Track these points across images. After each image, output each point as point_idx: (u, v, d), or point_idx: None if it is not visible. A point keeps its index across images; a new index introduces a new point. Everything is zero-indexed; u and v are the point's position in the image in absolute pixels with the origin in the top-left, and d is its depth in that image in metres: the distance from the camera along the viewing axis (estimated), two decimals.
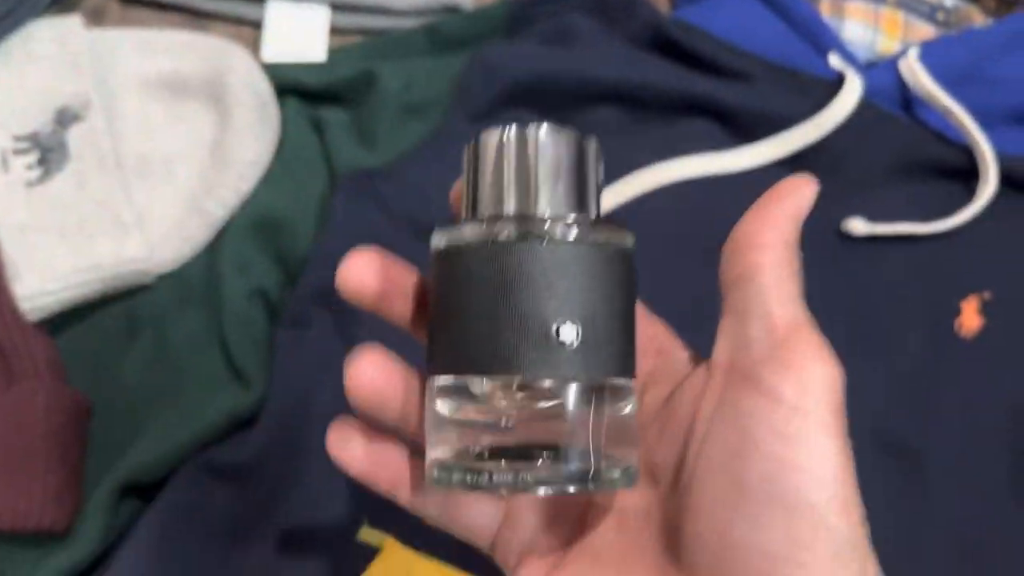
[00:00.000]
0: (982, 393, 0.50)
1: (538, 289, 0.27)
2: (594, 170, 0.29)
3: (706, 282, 0.55)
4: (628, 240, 0.29)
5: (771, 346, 0.27)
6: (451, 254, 0.28)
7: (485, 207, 0.29)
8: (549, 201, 0.28)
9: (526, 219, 0.28)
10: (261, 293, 0.53)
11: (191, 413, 0.49)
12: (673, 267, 0.54)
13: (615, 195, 0.56)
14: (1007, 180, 0.56)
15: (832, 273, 0.54)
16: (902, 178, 0.57)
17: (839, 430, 0.26)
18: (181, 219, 0.56)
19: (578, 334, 0.27)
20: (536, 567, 0.30)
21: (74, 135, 0.59)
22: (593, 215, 0.29)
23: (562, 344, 0.27)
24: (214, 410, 0.49)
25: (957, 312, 0.53)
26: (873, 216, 0.55)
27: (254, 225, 0.55)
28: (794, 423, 0.26)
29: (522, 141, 0.28)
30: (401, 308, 0.32)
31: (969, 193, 0.56)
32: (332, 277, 0.53)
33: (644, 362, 0.31)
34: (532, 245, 0.27)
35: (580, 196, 0.28)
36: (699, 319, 0.55)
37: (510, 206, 0.28)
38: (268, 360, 0.51)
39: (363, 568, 0.46)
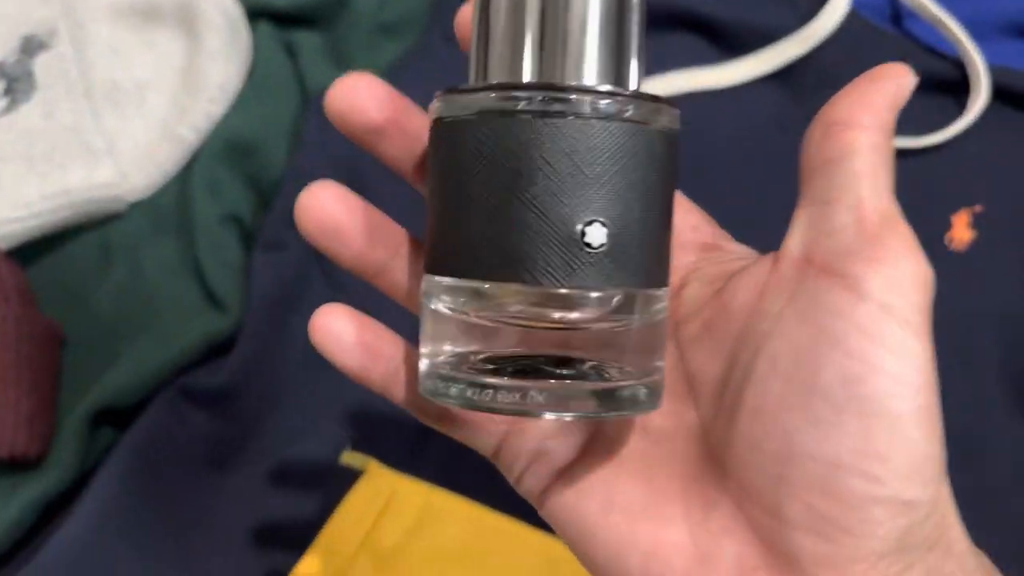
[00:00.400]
0: (973, 306, 0.49)
1: (561, 177, 0.22)
2: (636, 29, 0.24)
3: (693, 199, 0.55)
4: (673, 119, 0.24)
5: (859, 237, 0.23)
6: (454, 127, 0.23)
7: (497, 71, 0.23)
8: (578, 66, 0.23)
9: (549, 88, 0.22)
10: (234, 217, 0.52)
11: (167, 338, 0.48)
12: None
13: None
14: (999, 92, 0.54)
15: None
16: None
17: (927, 334, 0.23)
18: (153, 145, 0.55)
19: (608, 235, 0.22)
20: (543, 471, 0.27)
21: (41, 64, 0.57)
22: (633, 86, 0.24)
23: (588, 247, 0.22)
24: (190, 335, 0.48)
25: (948, 226, 0.52)
26: None
27: (226, 149, 0.53)
28: (880, 321, 0.23)
29: None
30: (402, 151, 0.27)
31: (960, 107, 0.55)
32: None
33: (683, 256, 0.28)
34: (556, 121, 0.22)
35: (618, 62, 0.23)
36: None
37: (529, 71, 0.23)
38: (243, 284, 0.50)
39: (346, 491, 0.46)
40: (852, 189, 0.24)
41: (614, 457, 0.27)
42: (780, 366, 0.24)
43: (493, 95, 0.23)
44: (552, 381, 0.23)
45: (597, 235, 0.22)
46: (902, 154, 0.54)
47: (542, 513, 0.27)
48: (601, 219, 0.22)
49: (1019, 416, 0.45)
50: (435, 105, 0.24)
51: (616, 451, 0.27)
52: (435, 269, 0.24)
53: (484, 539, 0.43)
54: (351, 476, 0.46)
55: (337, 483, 0.45)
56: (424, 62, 0.56)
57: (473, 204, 0.23)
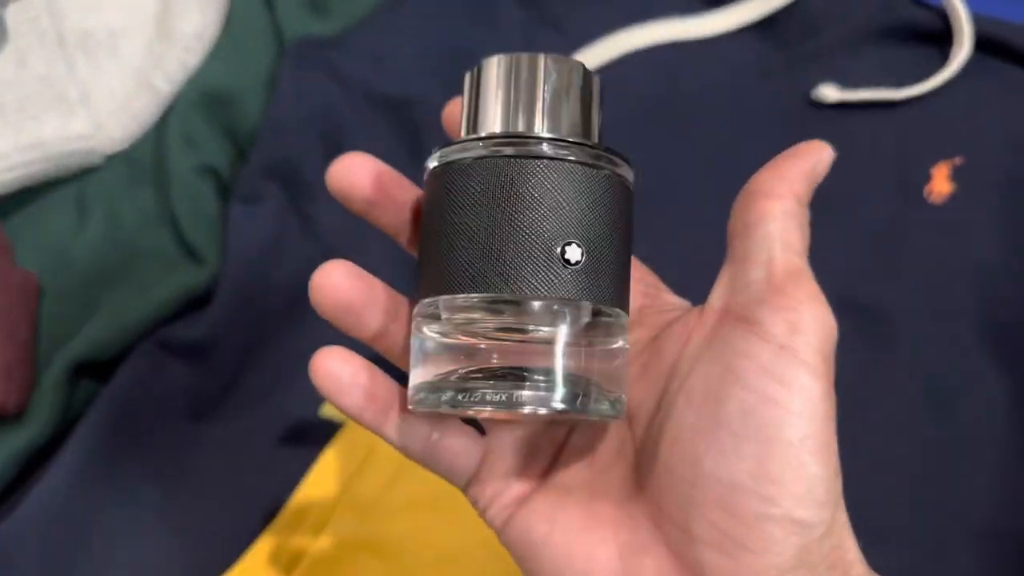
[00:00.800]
0: (951, 257, 0.50)
1: (542, 207, 0.26)
2: (597, 101, 0.29)
3: (675, 149, 0.54)
4: (630, 172, 0.29)
5: (768, 289, 0.27)
6: (450, 170, 0.27)
7: (487, 127, 0.28)
8: (554, 124, 0.28)
9: (531, 138, 0.27)
10: (210, 169, 0.51)
11: (145, 291, 0.48)
12: (642, 134, 0.52)
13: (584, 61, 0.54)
14: (982, 43, 0.54)
15: (802, 140, 0.53)
16: (875, 43, 0.56)
17: (825, 374, 0.26)
18: (128, 96, 0.54)
19: (583, 255, 0.26)
20: (506, 503, 0.30)
21: (12, 13, 0.56)
22: (595, 140, 0.29)
23: (566, 264, 0.26)
24: (168, 287, 0.48)
25: (927, 178, 0.52)
26: (845, 82, 0.54)
27: (201, 100, 0.53)
28: (780, 360, 0.26)
29: (530, 67, 0.28)
30: (393, 219, 0.31)
31: (943, 57, 0.55)
32: (282, 149, 0.52)
33: (633, 300, 0.31)
34: (537, 162, 0.26)
35: (584, 124, 0.28)
36: (667, 188, 0.55)
37: (515, 126, 0.28)
38: (221, 236, 0.50)
39: (325, 444, 0.46)
40: (765, 249, 0.27)
41: (562, 487, 0.30)
42: (694, 400, 0.27)
43: (481, 143, 0.27)
44: (528, 384, 0.26)
45: (574, 254, 0.26)
46: (884, 105, 0.53)
47: (502, 540, 0.30)
48: (577, 241, 0.26)
49: (994, 367, 0.46)
50: (433, 156, 0.28)
51: (564, 483, 0.30)
52: (430, 292, 0.28)
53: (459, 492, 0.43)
54: (331, 429, 0.46)
55: (316, 436, 0.46)
56: (403, 9, 0.55)
57: (465, 230, 0.27)
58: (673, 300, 0.32)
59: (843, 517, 0.26)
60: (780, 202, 0.27)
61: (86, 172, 0.53)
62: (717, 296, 0.28)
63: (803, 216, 0.28)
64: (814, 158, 0.28)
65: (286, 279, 0.48)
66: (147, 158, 0.53)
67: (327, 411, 0.47)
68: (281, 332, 0.48)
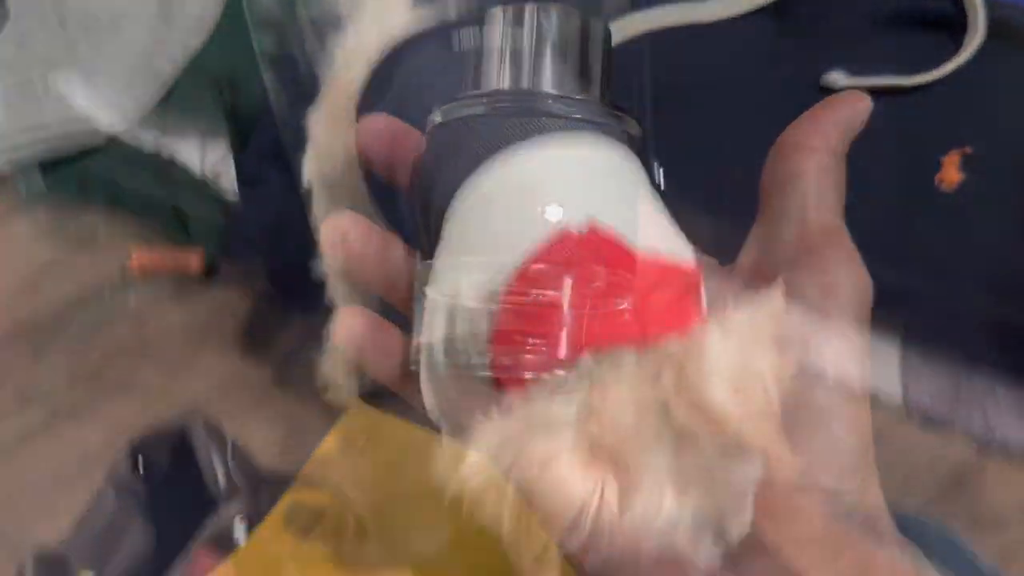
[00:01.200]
0: (961, 246, 0.49)
1: (538, 167, 0.25)
2: (600, 53, 0.28)
3: (682, 135, 0.54)
4: (632, 126, 0.28)
5: (801, 249, 0.25)
6: (449, 127, 0.27)
7: (486, 83, 0.27)
8: (552, 79, 0.27)
9: (528, 94, 0.26)
10: (211, 151, 0.51)
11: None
12: (648, 119, 0.52)
13: None
14: (995, 29, 0.53)
15: None
16: (887, 29, 0.55)
17: (859, 339, 0.25)
18: (130, 78, 0.54)
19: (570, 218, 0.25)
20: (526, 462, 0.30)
21: None
22: (598, 98, 0.28)
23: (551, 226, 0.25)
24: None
25: (938, 167, 0.52)
26: (855, 69, 0.53)
27: (203, 82, 0.52)
28: (810, 323, 0.24)
29: (529, 20, 0.27)
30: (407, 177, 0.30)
31: (955, 44, 0.54)
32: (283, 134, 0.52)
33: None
34: (531, 119, 0.26)
35: (586, 78, 0.27)
36: (673, 173, 0.54)
37: (512, 82, 0.27)
38: (223, 219, 0.50)
39: (328, 427, 0.46)
40: (799, 207, 0.26)
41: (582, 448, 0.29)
42: (720, 363, 0.25)
43: (481, 100, 0.26)
44: (529, 348, 0.25)
45: (555, 213, 0.25)
46: (894, 93, 0.53)
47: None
48: (561, 202, 0.25)
49: (1003, 354, 0.46)
50: (436, 112, 0.27)
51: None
52: (426, 254, 0.27)
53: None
54: (333, 412, 0.46)
55: (318, 419, 0.46)
56: None
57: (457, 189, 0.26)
58: (701, 259, 0.31)
59: (875, 485, 0.25)
60: (815, 156, 0.26)
61: (87, 154, 0.53)
62: (747, 255, 0.27)
63: (839, 170, 0.27)
64: (852, 109, 0.27)
65: (286, 260, 0.48)
66: (149, 140, 0.53)
67: (329, 395, 0.47)
68: (284, 314, 0.48)
